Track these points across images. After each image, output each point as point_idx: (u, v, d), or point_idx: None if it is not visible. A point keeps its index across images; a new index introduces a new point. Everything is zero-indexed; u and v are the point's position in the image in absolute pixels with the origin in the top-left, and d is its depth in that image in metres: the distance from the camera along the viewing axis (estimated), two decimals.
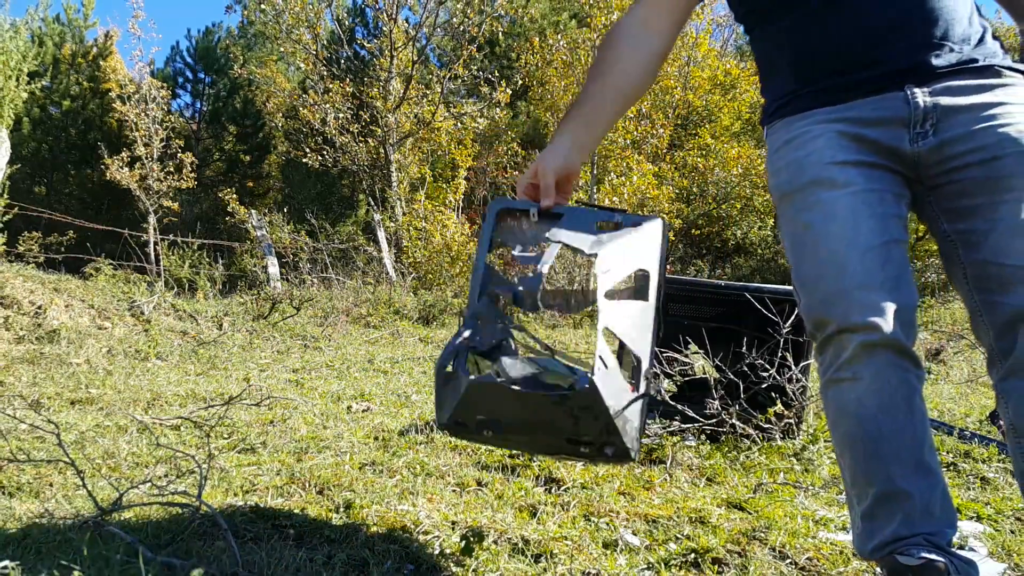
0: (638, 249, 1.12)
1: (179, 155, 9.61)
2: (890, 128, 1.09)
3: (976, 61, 1.07)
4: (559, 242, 1.10)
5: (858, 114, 1.10)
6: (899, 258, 1.06)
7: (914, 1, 1.07)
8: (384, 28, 10.44)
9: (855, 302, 1.03)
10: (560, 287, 1.25)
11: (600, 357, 1.00)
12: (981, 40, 1.09)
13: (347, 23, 11.82)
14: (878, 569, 1.29)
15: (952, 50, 1.07)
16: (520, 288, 1.13)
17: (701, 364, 2.54)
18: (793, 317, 2.15)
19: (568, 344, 4.99)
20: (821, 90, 1.13)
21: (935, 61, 1.06)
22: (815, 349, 1.12)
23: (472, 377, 0.99)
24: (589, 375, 0.98)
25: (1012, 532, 1.49)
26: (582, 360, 1.19)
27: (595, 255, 1.07)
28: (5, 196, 6.33)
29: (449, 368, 1.02)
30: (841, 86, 1.11)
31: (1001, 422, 2.26)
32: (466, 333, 1.07)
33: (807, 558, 1.31)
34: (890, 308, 1.03)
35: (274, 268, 7.28)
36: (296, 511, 1.44)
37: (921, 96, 1.06)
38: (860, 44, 1.09)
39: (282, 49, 11.01)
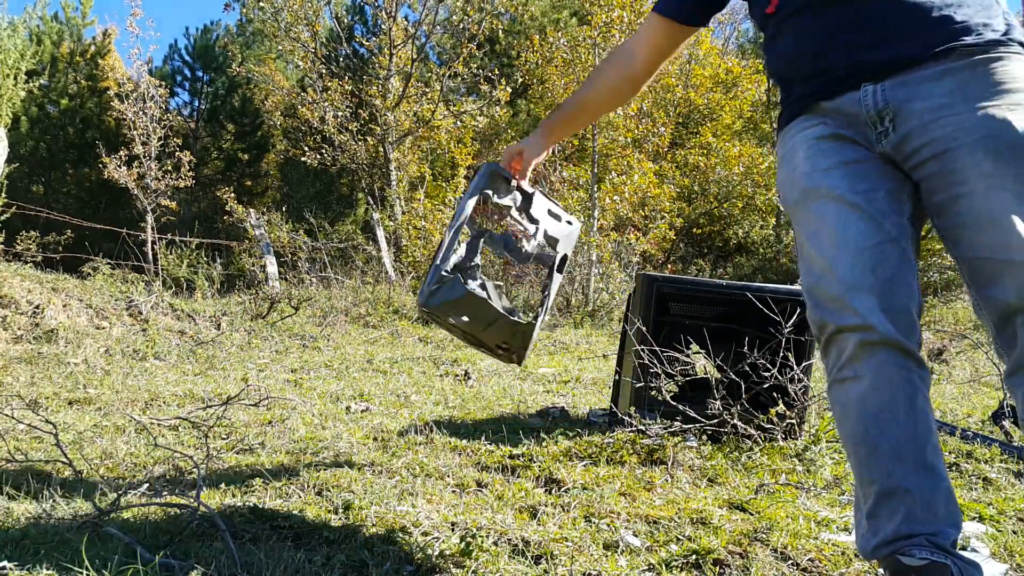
0: (573, 241, 1.77)
1: (177, 154, 9.57)
2: (860, 129, 1.08)
3: (940, 44, 1.01)
4: (547, 211, 1.66)
5: (829, 120, 1.10)
6: (895, 258, 1.04)
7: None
8: (383, 26, 10.42)
9: (848, 304, 1.03)
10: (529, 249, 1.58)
11: (545, 308, 1.65)
12: (952, 18, 1.02)
13: (346, 21, 11.80)
14: (880, 570, 1.28)
15: (912, 38, 1.02)
16: (514, 243, 1.66)
17: (702, 364, 2.53)
18: (795, 317, 2.14)
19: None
20: (796, 99, 1.15)
21: (891, 54, 1.03)
22: (820, 351, 1.13)
23: (470, 288, 1.50)
24: (537, 317, 1.63)
25: (1015, 533, 1.49)
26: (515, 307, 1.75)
27: (556, 240, 1.70)
28: (3, 195, 6.32)
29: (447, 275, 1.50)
30: (809, 93, 1.12)
31: (1004, 422, 2.25)
32: (457, 256, 1.55)
33: (809, 559, 1.31)
34: (884, 308, 1.02)
35: (272, 267, 7.26)
36: (295, 512, 1.43)
37: (874, 94, 1.05)
38: (819, 49, 1.09)
39: (280, 47, 10.98)
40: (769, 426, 2.08)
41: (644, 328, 2.20)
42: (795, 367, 2.12)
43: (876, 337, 1.02)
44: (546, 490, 1.66)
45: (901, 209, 1.07)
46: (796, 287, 2.33)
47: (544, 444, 2.05)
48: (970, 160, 0.97)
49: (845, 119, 1.09)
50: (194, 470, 1.70)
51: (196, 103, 14.63)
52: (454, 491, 1.63)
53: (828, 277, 1.06)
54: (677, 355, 2.21)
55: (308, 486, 1.61)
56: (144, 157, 9.39)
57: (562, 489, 1.66)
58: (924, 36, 1.02)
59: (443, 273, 1.48)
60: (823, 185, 1.08)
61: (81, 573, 1.10)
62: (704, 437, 2.09)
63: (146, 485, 1.59)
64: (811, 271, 1.10)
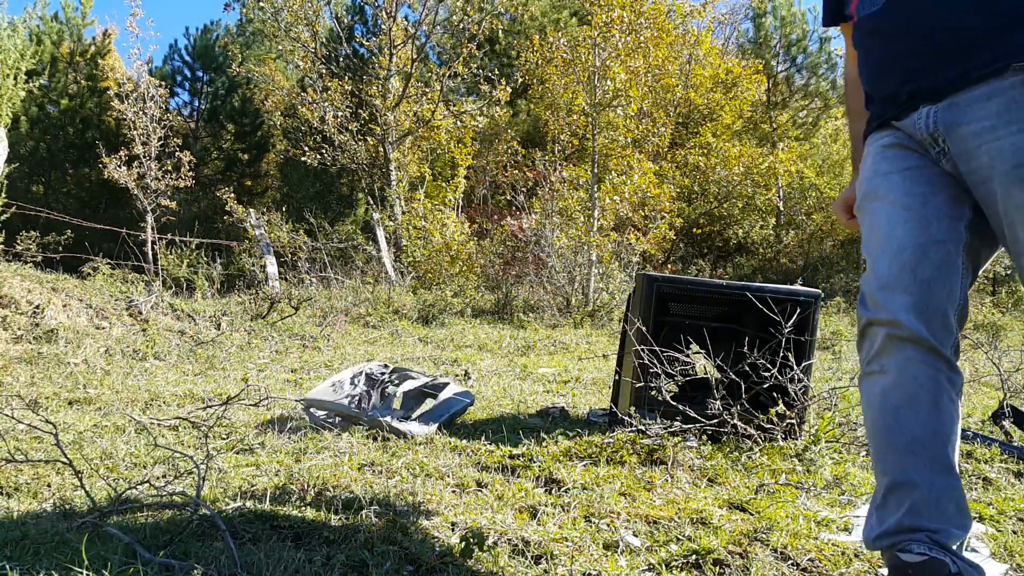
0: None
1: (177, 154, 9.57)
2: (923, 147, 1.11)
3: (992, 63, 0.99)
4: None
5: (899, 132, 1.14)
6: (938, 259, 1.06)
7: (939, 14, 1.04)
8: (383, 26, 10.41)
9: (881, 301, 1.08)
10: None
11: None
12: (1008, 36, 0.99)
13: (346, 21, 11.79)
14: (880, 570, 1.28)
15: (966, 59, 1.02)
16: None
17: (702, 364, 2.53)
18: (795, 317, 2.14)
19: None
20: (873, 116, 1.19)
21: (945, 77, 1.04)
22: (856, 344, 1.16)
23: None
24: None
25: (1014, 532, 1.49)
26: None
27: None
28: (3, 195, 6.32)
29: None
30: (881, 113, 1.16)
31: (1004, 422, 2.25)
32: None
33: (809, 559, 1.31)
34: (917, 308, 1.04)
35: (272, 267, 7.26)
36: (295, 512, 1.43)
37: (927, 116, 1.07)
38: (886, 74, 1.13)
39: (280, 47, 10.98)
40: (769, 426, 2.08)
41: (644, 328, 2.20)
42: (795, 367, 2.12)
43: (904, 333, 1.05)
44: (546, 490, 1.66)
45: (958, 215, 1.08)
46: (796, 287, 2.33)
47: (544, 444, 2.05)
48: (1004, 192, 0.99)
49: (910, 137, 1.13)
50: (194, 470, 1.70)
51: (196, 103, 14.63)
52: (454, 491, 1.63)
53: (871, 275, 1.11)
54: (677, 355, 2.21)
55: (308, 486, 1.61)
56: (144, 157, 9.39)
57: (562, 489, 1.66)
58: (978, 56, 1.01)
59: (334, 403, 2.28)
60: (881, 188, 1.12)
61: (81, 573, 1.10)
62: (704, 437, 2.09)
63: (146, 485, 1.59)
64: (865, 269, 1.15)
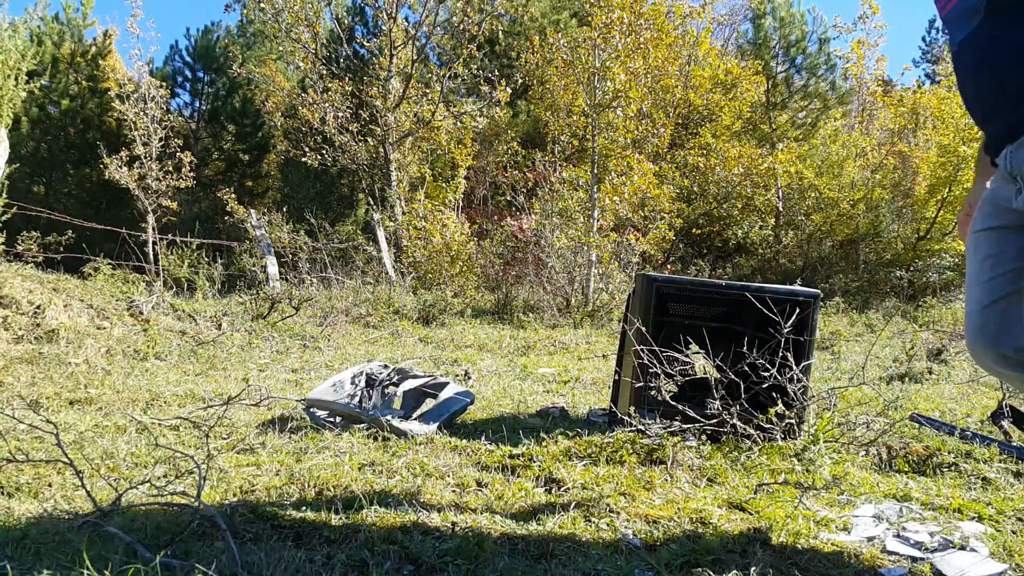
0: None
1: (178, 154, 9.59)
2: (1010, 187, 1.15)
3: None
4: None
5: (998, 176, 1.19)
6: (997, 313, 1.16)
7: (998, 62, 1.08)
8: (384, 27, 10.42)
9: (973, 359, 1.25)
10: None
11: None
12: None
13: (346, 22, 11.79)
14: (879, 569, 1.29)
15: None
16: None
17: (702, 364, 2.53)
18: (794, 317, 2.14)
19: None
20: (985, 149, 1.23)
21: (1014, 118, 1.08)
22: None
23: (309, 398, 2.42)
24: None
25: (1014, 532, 1.49)
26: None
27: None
28: (4, 195, 6.32)
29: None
30: (987, 147, 1.21)
31: (1003, 422, 2.25)
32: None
33: (808, 559, 1.31)
34: (995, 360, 1.18)
35: (273, 268, 7.26)
36: (295, 511, 1.44)
37: (1006, 156, 1.12)
38: (975, 109, 1.18)
39: (281, 48, 10.98)
40: (768, 426, 2.09)
41: (644, 328, 2.20)
42: (794, 367, 2.12)
43: (1004, 374, 1.20)
44: (546, 490, 1.66)
45: (1020, 266, 1.15)
46: (795, 287, 2.33)
47: (544, 444, 2.06)
48: None
49: (1000, 177, 1.18)
50: (195, 470, 1.70)
51: (197, 104, 14.63)
52: (454, 491, 1.64)
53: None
54: (676, 355, 2.21)
55: (308, 486, 1.61)
56: (145, 158, 9.40)
57: (562, 489, 1.66)
58: None
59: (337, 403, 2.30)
60: (971, 246, 1.25)
61: (82, 573, 1.11)
62: (703, 437, 2.09)
63: (147, 485, 1.60)
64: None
